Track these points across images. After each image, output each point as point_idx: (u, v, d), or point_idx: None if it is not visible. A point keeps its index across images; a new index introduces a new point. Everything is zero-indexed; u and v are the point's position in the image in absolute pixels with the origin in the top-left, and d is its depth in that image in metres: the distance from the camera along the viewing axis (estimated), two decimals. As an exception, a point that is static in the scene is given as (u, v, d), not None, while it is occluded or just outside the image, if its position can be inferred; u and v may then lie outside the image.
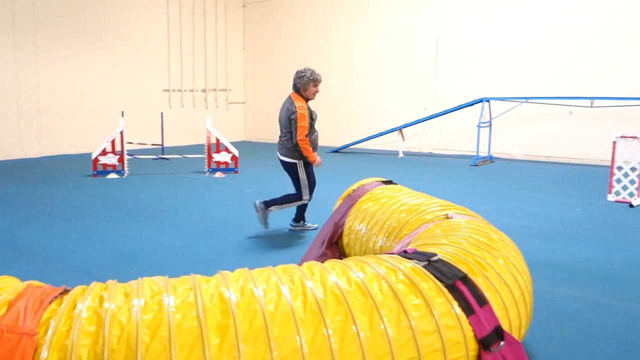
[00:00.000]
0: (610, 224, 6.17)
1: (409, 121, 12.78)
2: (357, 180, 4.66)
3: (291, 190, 5.84)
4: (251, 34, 16.66)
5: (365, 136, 13.37)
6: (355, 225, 4.12)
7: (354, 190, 4.43)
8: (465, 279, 2.40)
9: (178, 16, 14.92)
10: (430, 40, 13.31)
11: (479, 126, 11.36)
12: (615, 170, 7.42)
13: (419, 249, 2.70)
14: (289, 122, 5.57)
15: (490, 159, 11.81)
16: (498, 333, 2.34)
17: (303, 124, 5.47)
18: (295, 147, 5.56)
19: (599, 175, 9.21)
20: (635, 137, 7.23)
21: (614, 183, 7.42)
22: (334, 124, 15.04)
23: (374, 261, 2.45)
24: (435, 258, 2.49)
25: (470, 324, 2.27)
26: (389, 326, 2.12)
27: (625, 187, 7.44)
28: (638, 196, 7.24)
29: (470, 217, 3.40)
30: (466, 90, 12.54)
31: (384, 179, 4.57)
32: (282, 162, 5.77)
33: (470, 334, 2.25)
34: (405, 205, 3.85)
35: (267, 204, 5.69)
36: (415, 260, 2.46)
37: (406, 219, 3.69)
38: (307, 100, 5.65)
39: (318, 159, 5.71)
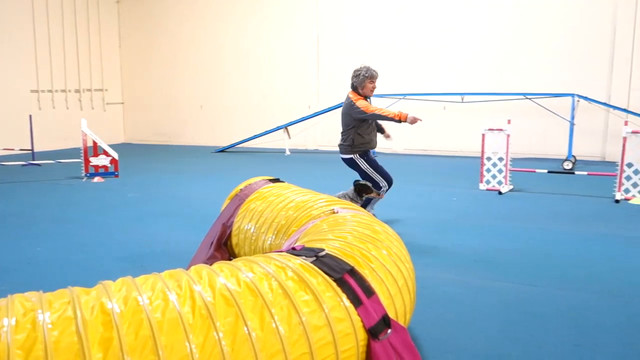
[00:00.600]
0: (482, 211, 6.65)
1: (295, 119, 12.91)
2: (244, 179, 4.62)
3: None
4: (128, 31, 15.93)
5: (252, 135, 13.33)
6: (243, 225, 4.09)
7: (241, 189, 4.39)
8: (352, 271, 2.47)
9: (45, 10, 13.89)
10: (311, 39, 13.53)
11: (361, 122, 11.74)
12: (485, 161, 8.00)
13: (307, 245, 2.74)
14: (348, 118, 5.71)
15: (373, 153, 12.23)
16: (385, 321, 2.43)
17: (364, 103, 5.63)
18: (350, 143, 5.74)
19: (471, 166, 9.88)
20: (501, 130, 7.84)
21: (484, 173, 8.00)
22: (221, 123, 14.85)
23: (263, 260, 2.44)
24: (323, 253, 2.53)
25: (358, 314, 2.33)
26: (280, 324, 2.12)
27: (494, 176, 8.05)
28: (506, 184, 7.87)
29: (355, 211, 3.50)
30: (347, 87, 12.86)
31: (272, 177, 4.58)
32: (343, 160, 5.94)
33: (359, 324, 2.32)
34: (292, 203, 3.88)
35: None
36: (304, 257, 2.49)
37: (294, 216, 3.72)
38: (365, 97, 5.75)
39: (410, 115, 5.57)
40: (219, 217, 4.38)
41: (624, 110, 10.30)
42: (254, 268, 2.34)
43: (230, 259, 3.79)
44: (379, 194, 5.54)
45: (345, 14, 13.12)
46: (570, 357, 3.03)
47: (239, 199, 4.28)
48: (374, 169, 5.80)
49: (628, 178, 7.20)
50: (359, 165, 5.81)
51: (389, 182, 5.82)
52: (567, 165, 9.78)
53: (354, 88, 5.79)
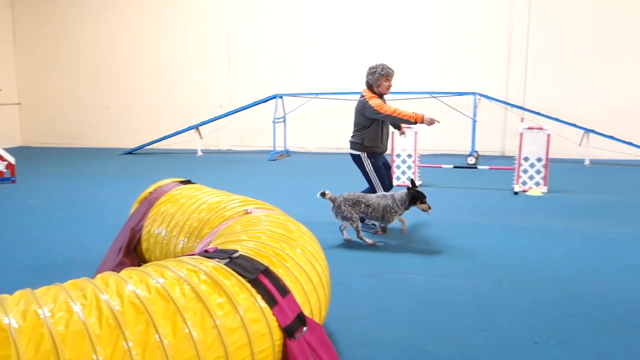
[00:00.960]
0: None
1: (206, 119, 12.68)
2: (154, 182, 4.47)
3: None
4: (23, 27, 14.94)
5: (162, 136, 12.94)
6: (154, 229, 3.96)
7: (150, 192, 4.25)
8: (266, 271, 2.46)
9: None
10: (222, 38, 13.33)
11: (274, 122, 11.73)
12: (395, 158, 8.24)
13: (220, 247, 2.70)
14: (361, 117, 5.61)
15: (287, 153, 12.27)
16: (300, 319, 2.44)
17: (379, 102, 5.50)
18: (360, 142, 5.63)
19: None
20: (409, 127, 8.11)
21: (395, 169, 8.24)
22: (128, 124, 14.29)
23: (174, 264, 2.38)
24: (236, 254, 2.50)
25: (274, 314, 2.33)
26: (194, 328, 2.08)
27: (404, 172, 8.31)
28: (415, 179, 8.14)
29: (269, 211, 3.49)
30: (260, 87, 12.83)
31: (182, 179, 4.47)
32: (351, 156, 5.82)
33: (274, 324, 2.32)
34: (205, 204, 3.81)
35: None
36: (217, 259, 2.45)
37: (207, 218, 3.65)
38: (380, 96, 5.61)
39: (426, 116, 5.43)
40: (127, 222, 4.21)
41: (521, 107, 10.98)
42: (165, 273, 2.28)
43: (140, 265, 3.66)
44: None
45: (257, 11, 13.04)
46: (476, 341, 3.19)
47: (148, 202, 4.14)
48: (376, 174, 5.69)
49: (525, 171, 7.68)
50: (364, 165, 5.70)
51: (386, 191, 5.66)
52: (471, 161, 10.28)
53: (369, 86, 5.64)
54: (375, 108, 5.46)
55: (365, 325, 3.42)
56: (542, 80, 11.38)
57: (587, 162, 10.20)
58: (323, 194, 5.28)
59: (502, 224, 5.95)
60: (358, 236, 5.20)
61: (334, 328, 3.29)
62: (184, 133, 12.65)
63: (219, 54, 13.39)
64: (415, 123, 5.47)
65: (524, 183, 7.72)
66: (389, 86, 5.64)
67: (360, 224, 5.27)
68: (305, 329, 2.43)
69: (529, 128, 7.61)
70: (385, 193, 5.37)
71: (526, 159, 7.67)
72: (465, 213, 6.48)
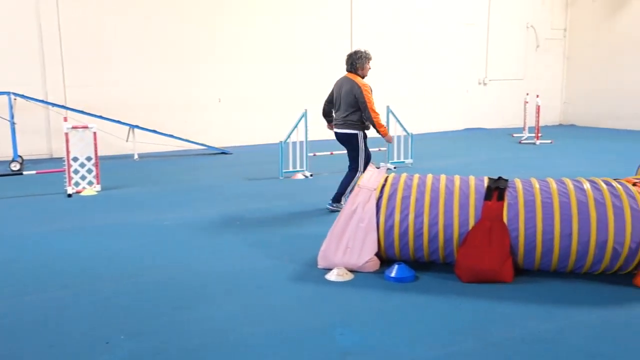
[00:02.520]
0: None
1: None
2: None
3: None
4: None
5: None
6: None
7: None
8: None
9: None
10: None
11: None
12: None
13: None
14: (354, 100, 5.95)
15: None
16: None
17: (371, 98, 5.96)
18: (359, 121, 6.02)
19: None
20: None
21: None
22: None
23: None
24: None
25: None
26: None
27: None
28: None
29: None
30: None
31: None
32: (342, 135, 6.13)
33: None
34: None
35: (336, 199, 6.17)
36: None
37: None
38: (362, 77, 6.04)
39: (389, 134, 6.47)
40: None
41: (62, 106, 10.60)
42: None
43: None
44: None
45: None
46: (45, 358, 2.98)
47: None
48: (364, 153, 6.11)
49: (76, 171, 7.50)
50: (358, 143, 6.07)
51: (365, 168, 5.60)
52: (15, 167, 9.39)
53: (354, 70, 6.06)
54: (367, 103, 5.93)
55: None
56: (83, 78, 11.21)
57: (136, 157, 10.68)
58: None
59: (59, 228, 5.69)
60: None
61: None
62: None
63: None
64: (379, 133, 6.10)
65: (77, 184, 7.54)
66: (369, 68, 6.17)
67: None
68: None
69: (74, 127, 7.44)
70: None
71: (75, 159, 7.49)
72: (17, 223, 5.90)
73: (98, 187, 7.59)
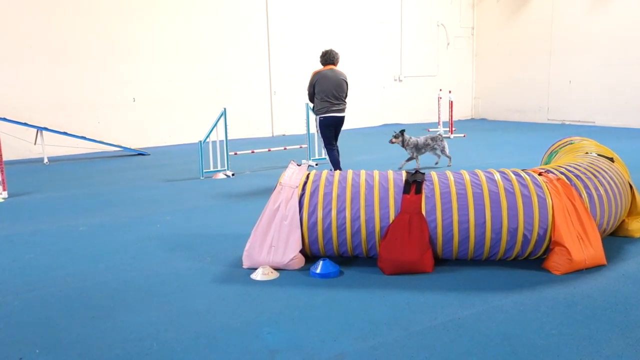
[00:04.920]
0: None
1: None
2: None
3: None
4: None
5: None
6: None
7: None
8: None
9: None
10: None
11: None
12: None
13: None
14: (346, 86, 7.29)
15: None
16: None
17: None
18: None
19: None
20: None
21: None
22: None
23: None
24: None
25: None
26: None
27: None
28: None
29: None
30: None
31: None
32: (340, 118, 7.30)
33: None
34: None
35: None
36: None
37: None
38: None
39: None
40: None
41: (-39, 109, 9.87)
42: None
43: None
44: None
45: None
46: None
47: None
48: None
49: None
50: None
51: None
52: None
53: (335, 63, 7.27)
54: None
55: None
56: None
57: (46, 160, 10.13)
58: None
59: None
60: None
61: None
62: None
63: None
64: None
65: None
66: None
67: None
68: None
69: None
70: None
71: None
72: None
73: (5, 194, 7.13)
